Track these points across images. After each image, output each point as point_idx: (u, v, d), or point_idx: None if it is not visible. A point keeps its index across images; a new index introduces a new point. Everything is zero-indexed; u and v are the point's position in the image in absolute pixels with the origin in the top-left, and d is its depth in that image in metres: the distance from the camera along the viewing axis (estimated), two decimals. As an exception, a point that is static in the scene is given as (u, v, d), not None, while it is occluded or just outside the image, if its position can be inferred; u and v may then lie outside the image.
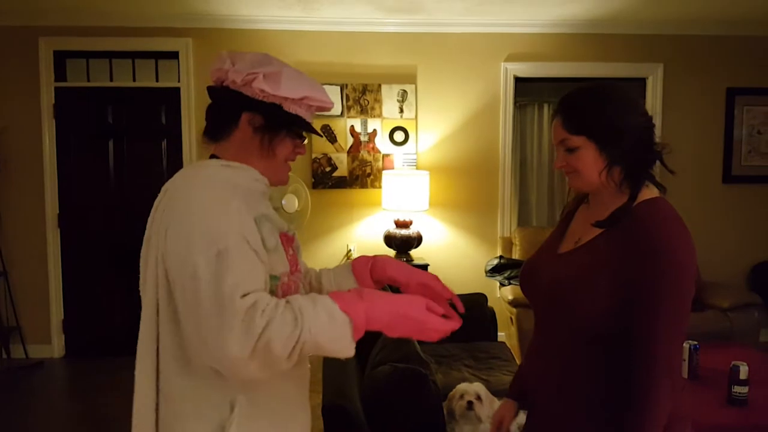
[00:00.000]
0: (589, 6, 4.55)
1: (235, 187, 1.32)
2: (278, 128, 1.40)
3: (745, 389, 2.86)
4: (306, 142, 1.43)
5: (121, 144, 5.02)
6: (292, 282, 1.41)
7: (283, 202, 4.62)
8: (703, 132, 5.26)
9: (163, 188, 1.35)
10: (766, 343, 5.00)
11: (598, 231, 1.47)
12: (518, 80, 5.17)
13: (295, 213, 4.69)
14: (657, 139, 1.49)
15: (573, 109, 1.48)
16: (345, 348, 1.22)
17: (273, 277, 1.33)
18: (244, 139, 1.40)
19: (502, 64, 5.10)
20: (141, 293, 1.35)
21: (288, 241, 1.46)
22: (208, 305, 1.16)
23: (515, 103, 5.24)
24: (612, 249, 1.41)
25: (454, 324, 1.33)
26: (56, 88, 4.91)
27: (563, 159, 1.51)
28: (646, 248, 1.34)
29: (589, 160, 1.45)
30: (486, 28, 5.02)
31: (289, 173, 4.82)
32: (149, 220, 1.34)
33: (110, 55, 4.99)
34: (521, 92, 5.34)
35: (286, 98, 1.37)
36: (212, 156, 1.43)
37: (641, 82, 5.23)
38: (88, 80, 5.05)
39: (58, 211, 4.97)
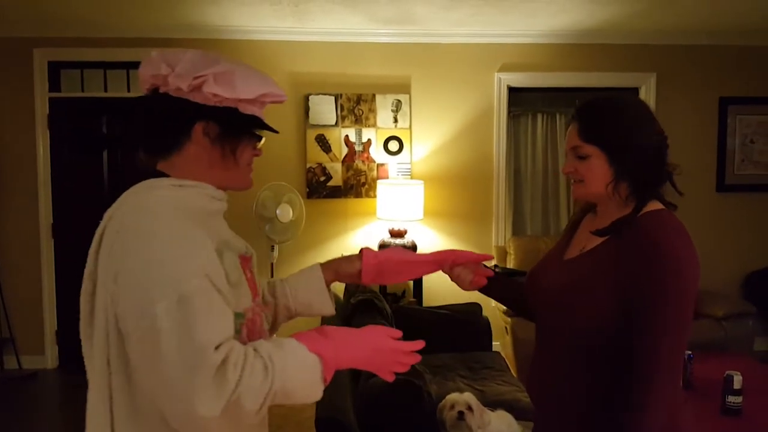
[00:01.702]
0: (582, 16, 4.58)
1: (192, 211, 1.19)
2: (238, 134, 1.26)
3: (739, 399, 2.86)
4: (263, 141, 1.34)
5: (116, 154, 5.02)
6: (256, 315, 1.29)
7: (277, 212, 4.62)
8: (697, 141, 5.28)
9: (107, 214, 1.19)
10: (760, 352, 5.00)
11: (602, 239, 1.48)
12: (512, 90, 5.19)
13: (290, 223, 4.68)
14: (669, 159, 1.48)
15: (591, 117, 1.48)
16: (314, 392, 1.13)
17: (238, 315, 1.19)
18: (199, 152, 1.24)
19: (496, 74, 5.12)
20: (83, 339, 1.18)
21: (246, 263, 1.32)
22: (173, 361, 1.02)
23: (509, 112, 5.26)
24: (616, 255, 1.41)
25: (420, 341, 1.26)
26: (50, 99, 4.91)
27: (572, 165, 1.51)
28: (650, 255, 1.35)
29: (598, 171, 1.46)
30: (479, 38, 5.04)
31: (284, 183, 4.81)
32: (91, 251, 1.18)
33: (104, 65, 5.00)
34: (515, 102, 5.36)
35: (241, 99, 1.23)
36: (158, 172, 1.25)
37: (634, 92, 5.25)
38: (83, 91, 5.05)
39: (52, 222, 4.96)
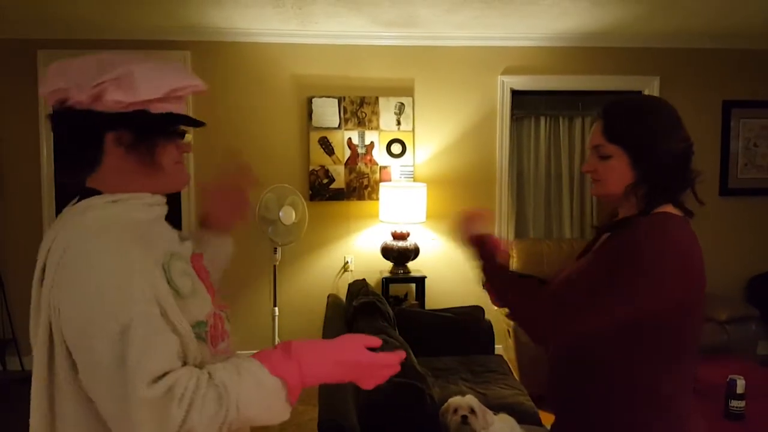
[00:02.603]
0: (585, 20, 4.58)
1: (131, 226, 1.14)
2: (154, 136, 1.18)
3: (742, 403, 2.86)
4: (190, 137, 1.28)
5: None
6: (217, 318, 1.25)
7: (280, 214, 4.62)
8: (700, 145, 5.15)
9: (44, 246, 1.13)
10: (763, 356, 4.99)
11: (606, 237, 1.49)
12: (515, 93, 5.19)
13: (293, 225, 4.68)
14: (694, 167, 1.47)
15: (617, 116, 1.46)
16: (278, 414, 1.08)
17: (200, 324, 1.18)
18: (118, 163, 1.17)
19: (499, 77, 5.12)
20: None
21: (198, 260, 1.29)
22: (112, 395, 1.00)
23: (512, 115, 5.26)
24: (606, 250, 1.43)
25: (401, 353, 1.19)
26: (54, 101, 4.91)
27: (593, 165, 1.49)
28: (626, 250, 1.35)
29: (619, 172, 1.44)
30: (482, 41, 5.04)
31: (286, 185, 4.79)
32: (34, 283, 1.14)
33: (108, 67, 5.00)
34: (518, 105, 5.36)
35: (149, 100, 1.15)
36: (88, 190, 1.18)
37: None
38: (86, 92, 5.05)
39: (55, 223, 4.96)
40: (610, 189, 1.46)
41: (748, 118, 5.31)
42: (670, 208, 1.43)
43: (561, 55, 5.15)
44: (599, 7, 4.25)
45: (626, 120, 1.44)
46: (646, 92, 5.21)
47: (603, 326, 1.35)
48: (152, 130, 1.18)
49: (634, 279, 1.32)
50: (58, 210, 4.92)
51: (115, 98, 1.11)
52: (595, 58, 5.17)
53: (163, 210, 1.27)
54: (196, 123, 1.26)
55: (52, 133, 1.21)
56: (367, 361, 1.15)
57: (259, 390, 1.05)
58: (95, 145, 1.16)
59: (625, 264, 1.33)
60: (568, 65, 5.16)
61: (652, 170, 1.41)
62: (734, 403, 2.86)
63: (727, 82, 5.28)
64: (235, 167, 1.53)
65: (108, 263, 1.06)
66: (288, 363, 1.09)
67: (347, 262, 5.12)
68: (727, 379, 2.89)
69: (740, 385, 2.85)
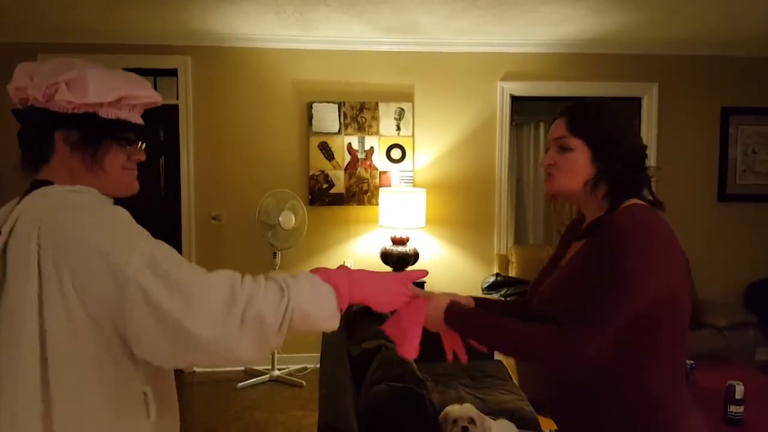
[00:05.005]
0: (584, 26, 4.60)
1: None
2: (98, 139, 1.23)
3: (740, 409, 2.86)
4: (143, 146, 1.33)
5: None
6: None
7: (280, 218, 4.63)
8: (698, 151, 5.29)
9: (5, 230, 1.16)
10: (762, 362, 4.99)
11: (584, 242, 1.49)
12: (514, 99, 5.21)
13: (292, 230, 4.69)
14: (648, 165, 1.50)
15: (581, 112, 1.50)
16: (331, 316, 1.19)
17: None
18: (65, 160, 1.23)
19: (499, 83, 5.14)
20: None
21: None
22: (175, 305, 1.05)
23: (511, 121, 5.28)
24: (589, 256, 1.42)
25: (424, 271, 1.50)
26: (55, 105, 4.92)
27: (552, 158, 1.51)
28: (611, 246, 1.34)
29: (579, 166, 1.46)
30: (482, 47, 5.06)
31: (286, 190, 4.78)
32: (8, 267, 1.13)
33: (109, 72, 5.00)
34: (517, 111, 5.37)
35: (99, 104, 1.20)
36: (41, 181, 1.24)
37: (636, 102, 5.27)
38: (87, 97, 5.06)
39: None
40: (568, 183, 1.48)
41: (746, 125, 5.33)
42: (635, 201, 1.45)
43: (561, 61, 5.17)
44: (599, 15, 4.27)
45: (591, 115, 1.48)
46: (645, 99, 5.24)
47: (616, 333, 1.32)
48: (98, 134, 1.23)
49: (630, 274, 1.31)
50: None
51: (66, 98, 1.18)
52: (594, 65, 5.19)
53: None
54: (144, 134, 1.30)
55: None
56: (398, 291, 1.38)
57: (314, 289, 1.17)
58: (47, 141, 1.23)
59: (617, 263, 1.32)
60: (567, 72, 5.18)
61: (611, 166, 1.44)
62: (733, 409, 2.86)
63: (726, 88, 5.30)
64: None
65: (99, 215, 1.15)
66: (337, 274, 1.23)
67: (347, 266, 5.12)
68: (726, 385, 2.90)
69: (739, 390, 2.86)
